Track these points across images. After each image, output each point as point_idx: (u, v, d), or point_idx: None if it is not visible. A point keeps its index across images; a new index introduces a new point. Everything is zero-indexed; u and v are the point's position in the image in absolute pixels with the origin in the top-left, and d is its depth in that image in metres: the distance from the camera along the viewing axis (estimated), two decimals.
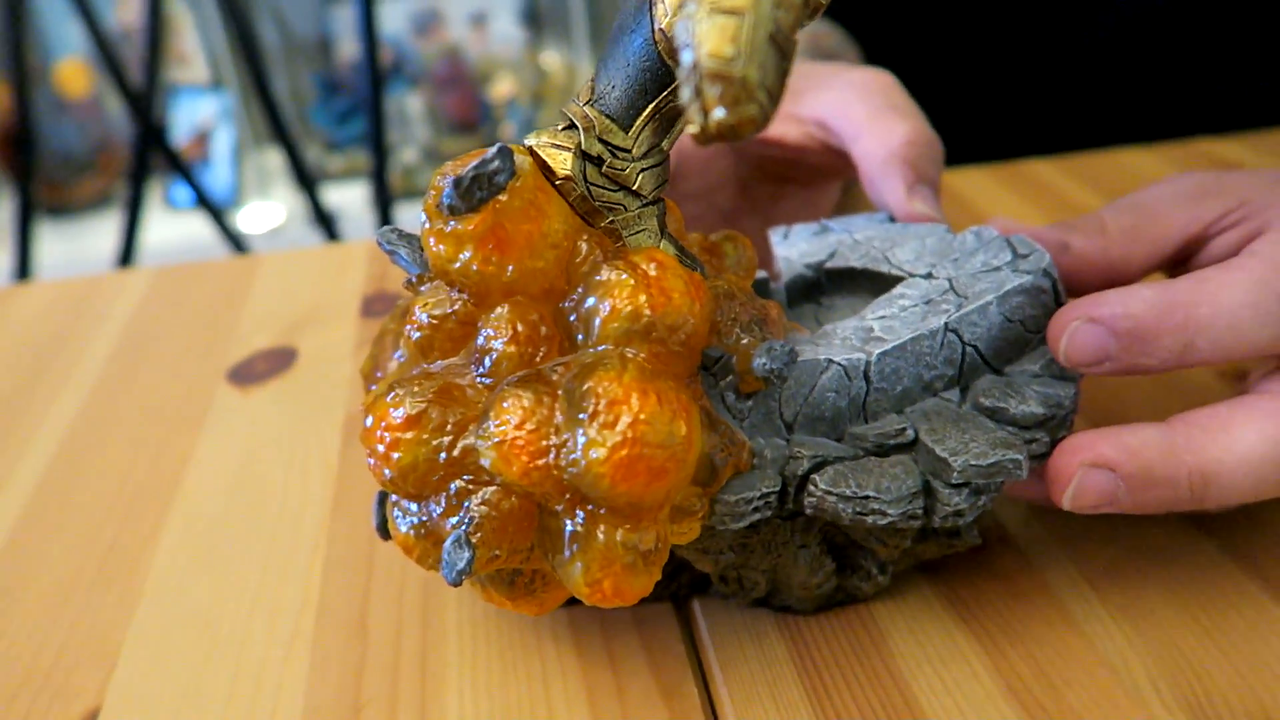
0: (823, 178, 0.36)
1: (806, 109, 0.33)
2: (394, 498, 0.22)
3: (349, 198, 1.67)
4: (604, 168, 0.22)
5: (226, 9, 1.09)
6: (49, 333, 0.42)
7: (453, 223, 0.21)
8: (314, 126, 1.82)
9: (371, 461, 0.21)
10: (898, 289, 0.26)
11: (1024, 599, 0.25)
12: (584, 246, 0.22)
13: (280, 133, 1.10)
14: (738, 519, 0.22)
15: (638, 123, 0.21)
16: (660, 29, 0.20)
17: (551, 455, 0.20)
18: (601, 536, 0.20)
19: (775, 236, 0.29)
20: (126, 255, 1.07)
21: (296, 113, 1.81)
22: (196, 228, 1.55)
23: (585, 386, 0.19)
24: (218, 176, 1.73)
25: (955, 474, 0.22)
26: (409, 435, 0.20)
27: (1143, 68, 0.58)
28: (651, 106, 0.21)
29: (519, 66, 1.85)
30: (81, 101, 1.70)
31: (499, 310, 0.21)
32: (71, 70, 1.69)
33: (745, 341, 0.22)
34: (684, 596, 0.26)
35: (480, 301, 0.21)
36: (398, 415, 0.20)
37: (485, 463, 0.20)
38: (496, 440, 0.20)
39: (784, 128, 0.34)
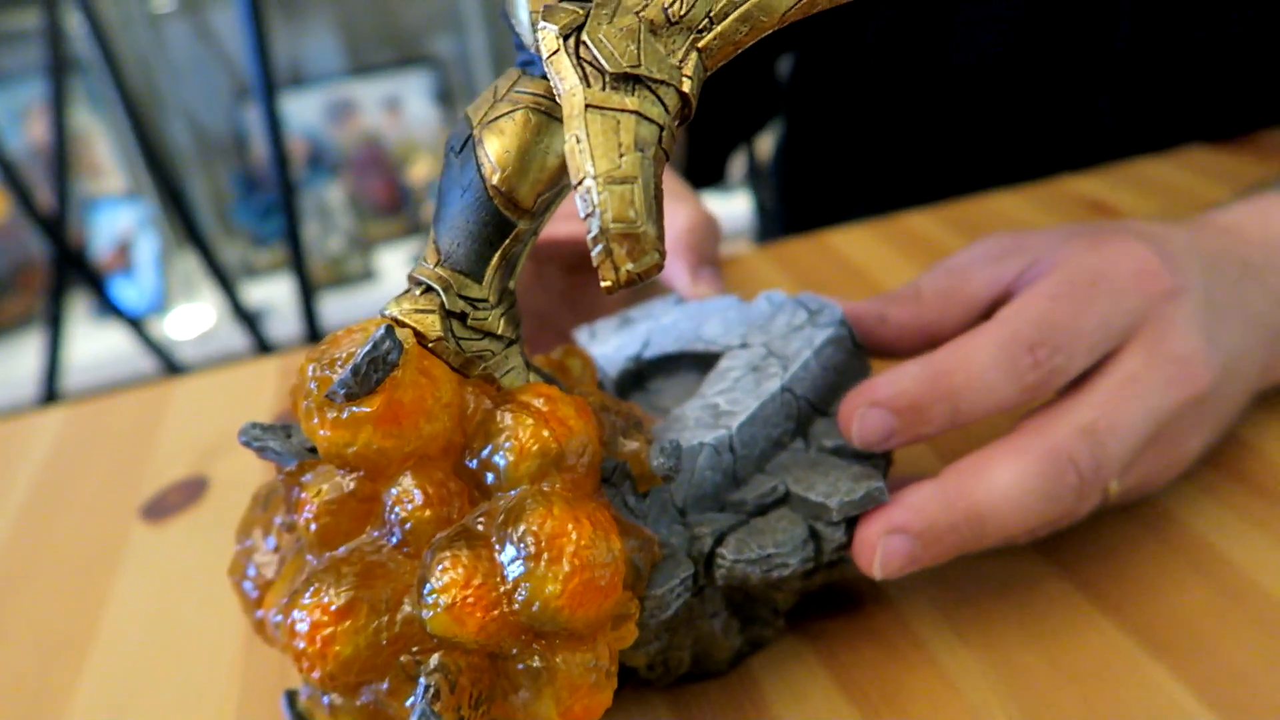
0: None
1: None
2: (307, 693, 0.22)
3: (278, 292, 1.68)
4: (468, 321, 0.23)
5: (133, 121, 1.10)
6: None
7: (348, 410, 0.21)
8: (237, 224, 1.83)
9: (304, 664, 0.21)
10: (722, 363, 0.28)
11: (898, 656, 0.27)
12: (471, 399, 0.23)
13: (195, 236, 1.11)
14: (665, 609, 0.24)
15: (488, 273, 0.23)
16: (493, 185, 0.22)
17: (504, 603, 0.20)
18: (563, 664, 0.21)
19: (583, 337, 0.32)
20: (51, 375, 1.06)
21: (217, 212, 1.82)
22: (125, 337, 1.54)
23: (521, 529, 0.20)
24: (143, 284, 1.73)
25: (834, 513, 0.25)
26: (345, 625, 0.20)
27: (996, 111, 0.62)
28: (498, 255, 0.23)
29: (437, 146, 1.87)
30: None
31: (404, 479, 0.21)
32: None
33: (635, 447, 0.24)
34: None
35: (377, 475, 0.22)
36: (327, 609, 0.20)
37: (432, 629, 0.20)
38: (446, 604, 0.20)
39: (571, 225, 0.36)
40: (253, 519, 0.25)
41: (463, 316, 0.23)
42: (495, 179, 0.22)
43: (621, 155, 0.19)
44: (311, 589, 0.21)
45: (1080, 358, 0.26)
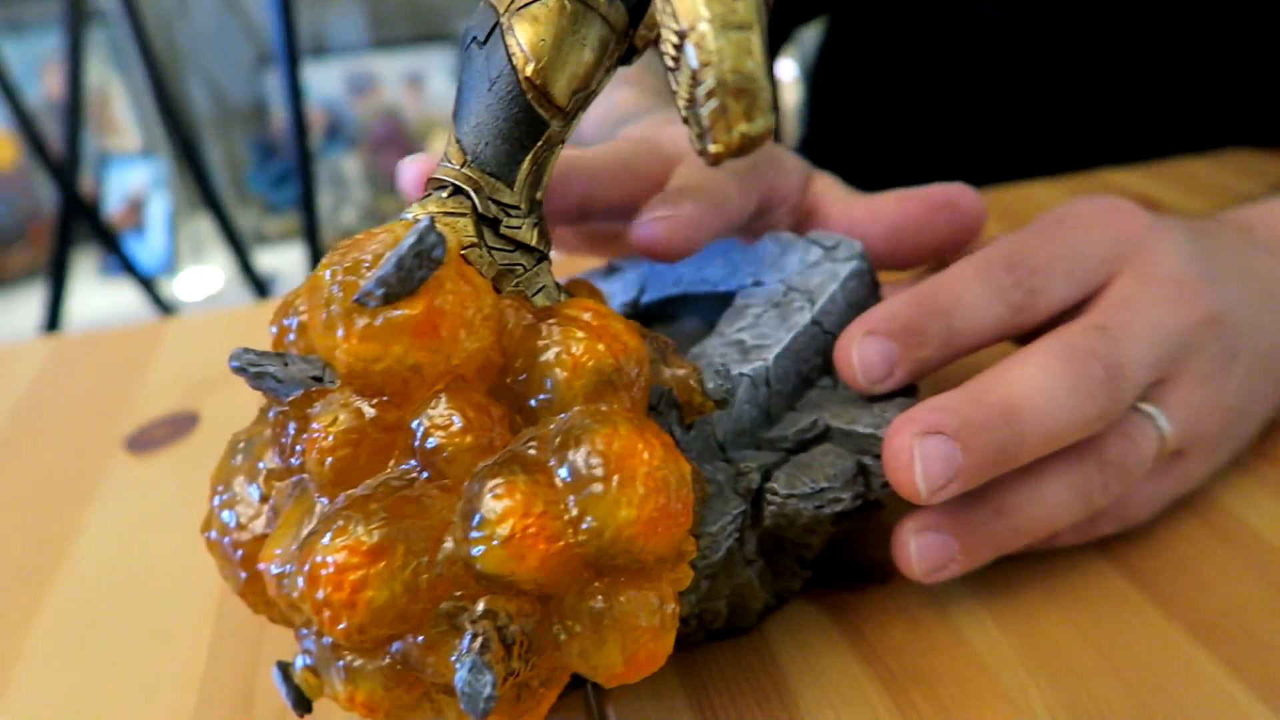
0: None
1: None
2: (304, 662, 0.20)
3: (287, 260, 1.66)
4: (500, 229, 0.21)
5: (152, 77, 1.09)
6: None
7: (382, 315, 0.18)
8: (250, 190, 1.81)
9: (327, 615, 0.17)
10: (739, 301, 0.27)
11: (928, 635, 0.25)
12: (510, 313, 0.20)
13: (210, 199, 1.09)
14: (716, 549, 0.22)
15: (519, 177, 0.21)
16: (526, 76, 0.20)
17: (569, 533, 0.17)
18: (628, 605, 0.18)
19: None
20: (53, 326, 1.04)
21: (232, 177, 1.80)
22: (131, 297, 1.53)
23: (584, 450, 0.18)
24: (153, 244, 1.71)
25: None
26: (379, 567, 0.17)
27: (1024, 97, 0.60)
28: (529, 159, 0.21)
29: None
30: (8, 173, 1.67)
31: (438, 402, 0.18)
32: None
33: (682, 373, 0.22)
34: None
35: (404, 400, 0.19)
36: (356, 549, 0.17)
37: (484, 567, 0.17)
38: (503, 536, 0.17)
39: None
40: (232, 467, 0.22)
41: (495, 223, 0.21)
42: (529, 70, 0.20)
43: None
44: (335, 527, 0.18)
45: (1059, 281, 0.25)
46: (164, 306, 1.11)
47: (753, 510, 0.23)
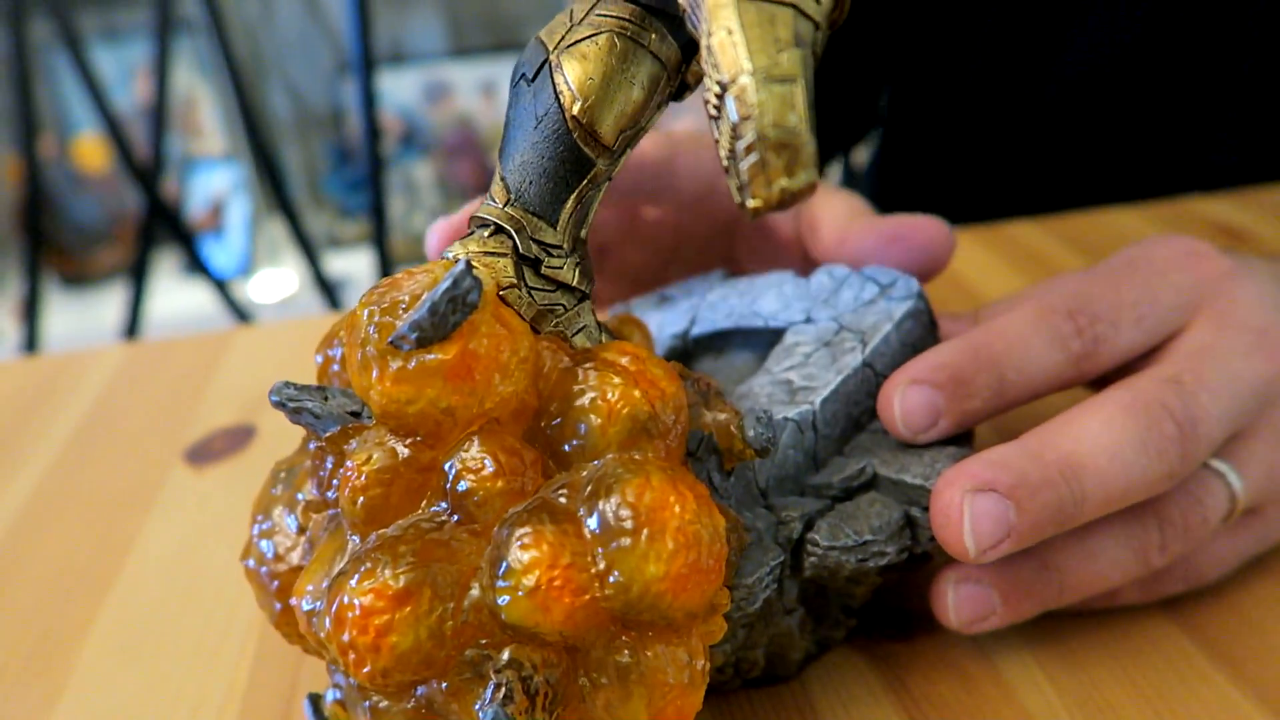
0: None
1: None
2: (334, 696, 0.20)
3: (359, 264, 1.69)
4: (541, 269, 0.21)
5: (235, 84, 1.12)
6: (10, 412, 0.42)
7: (416, 359, 0.18)
8: (326, 195, 1.85)
9: (351, 658, 0.17)
10: (788, 338, 0.26)
11: (976, 691, 0.24)
12: (546, 355, 0.20)
13: (283, 202, 1.11)
14: (753, 600, 0.21)
15: (562, 216, 0.21)
16: (573, 115, 0.20)
17: (596, 587, 0.17)
18: (655, 660, 0.18)
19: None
20: (133, 326, 1.08)
21: (309, 182, 1.84)
22: (209, 298, 1.57)
23: (615, 501, 0.17)
24: (232, 246, 1.76)
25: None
26: (404, 612, 0.17)
27: (1107, 130, 0.58)
28: (573, 197, 0.21)
29: None
30: (100, 176, 1.74)
31: (470, 445, 0.18)
32: (90, 146, 1.73)
33: (723, 418, 0.21)
34: None
35: (437, 441, 0.19)
36: (383, 593, 0.17)
37: (509, 617, 0.17)
38: (529, 587, 0.17)
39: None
40: (272, 497, 0.22)
41: (536, 263, 0.21)
42: (576, 108, 0.20)
43: (780, 51, 0.16)
44: (363, 569, 0.18)
45: (1126, 329, 0.24)
46: (238, 309, 1.14)
47: (793, 560, 0.22)
